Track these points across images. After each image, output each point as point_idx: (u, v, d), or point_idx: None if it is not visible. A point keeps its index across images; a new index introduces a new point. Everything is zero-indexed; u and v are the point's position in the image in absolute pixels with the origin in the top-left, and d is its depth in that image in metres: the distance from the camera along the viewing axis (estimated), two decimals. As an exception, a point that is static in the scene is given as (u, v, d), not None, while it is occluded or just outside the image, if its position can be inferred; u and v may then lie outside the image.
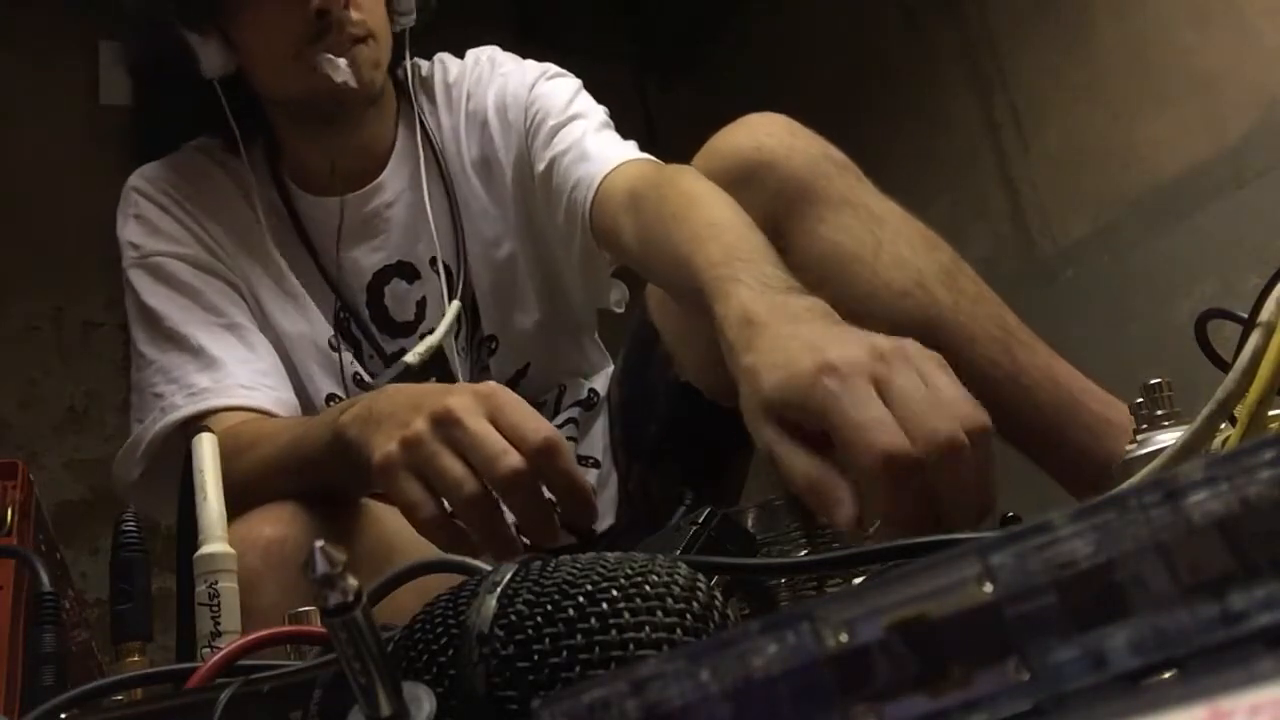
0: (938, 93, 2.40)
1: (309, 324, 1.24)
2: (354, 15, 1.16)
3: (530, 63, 1.33)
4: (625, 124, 1.28)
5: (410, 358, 1.19)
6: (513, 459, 0.78)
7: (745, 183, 1.03)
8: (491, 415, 0.81)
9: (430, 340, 1.21)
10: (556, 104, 1.25)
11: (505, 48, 1.38)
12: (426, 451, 0.81)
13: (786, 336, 0.73)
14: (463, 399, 0.82)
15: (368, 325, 1.26)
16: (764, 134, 1.08)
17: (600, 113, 1.26)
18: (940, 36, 2.40)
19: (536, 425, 0.80)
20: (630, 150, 1.19)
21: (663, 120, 2.87)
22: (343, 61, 1.15)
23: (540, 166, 1.22)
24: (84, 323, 2.44)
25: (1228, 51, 1.86)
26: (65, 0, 2.51)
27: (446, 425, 0.81)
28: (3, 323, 2.40)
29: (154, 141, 1.33)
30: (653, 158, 1.19)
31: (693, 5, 2.92)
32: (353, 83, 1.15)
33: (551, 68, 1.31)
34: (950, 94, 2.37)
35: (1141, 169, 2.00)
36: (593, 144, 1.19)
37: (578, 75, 1.33)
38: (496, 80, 1.30)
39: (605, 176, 1.14)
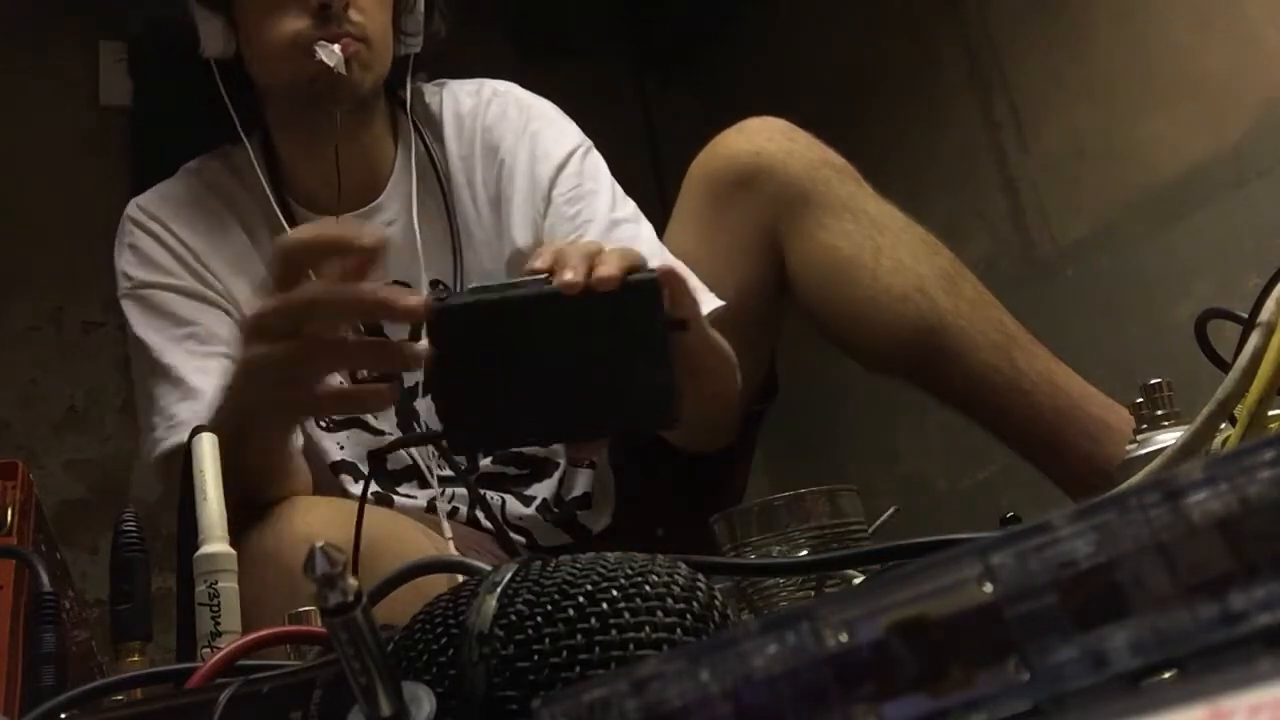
0: (938, 93, 2.40)
1: None
2: (354, 16, 1.18)
3: (567, 125, 1.31)
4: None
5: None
6: None
7: (745, 188, 1.03)
8: None
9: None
10: (600, 207, 1.22)
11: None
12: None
13: None
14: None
15: None
16: (763, 139, 1.08)
17: (631, 205, 1.24)
18: (940, 36, 2.39)
19: None
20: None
21: (661, 121, 2.86)
22: (336, 47, 1.16)
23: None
24: (84, 323, 2.43)
25: (1227, 52, 1.86)
26: (65, 0, 2.51)
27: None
28: (3, 323, 2.40)
29: (155, 140, 1.34)
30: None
31: (692, 6, 2.92)
32: (342, 69, 1.16)
33: (585, 140, 1.29)
34: (950, 94, 2.37)
35: (1141, 169, 2.00)
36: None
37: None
38: (528, 135, 1.29)
39: None
